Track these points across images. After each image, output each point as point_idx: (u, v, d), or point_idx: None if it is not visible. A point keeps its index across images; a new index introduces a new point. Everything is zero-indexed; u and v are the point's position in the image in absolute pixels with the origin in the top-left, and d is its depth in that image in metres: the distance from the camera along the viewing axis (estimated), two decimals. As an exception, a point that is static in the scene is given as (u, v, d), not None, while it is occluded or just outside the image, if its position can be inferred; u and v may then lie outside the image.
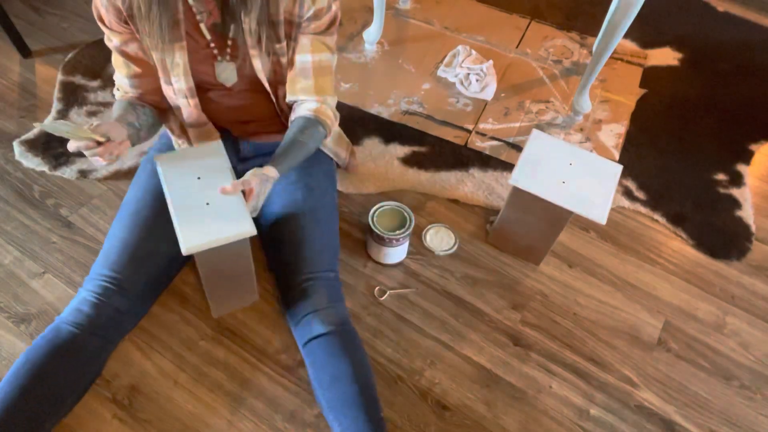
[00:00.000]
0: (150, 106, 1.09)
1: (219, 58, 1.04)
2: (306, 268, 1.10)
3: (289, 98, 1.10)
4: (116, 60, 1.04)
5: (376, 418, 0.97)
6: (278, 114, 1.16)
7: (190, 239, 0.91)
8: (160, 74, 1.04)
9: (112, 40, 1.02)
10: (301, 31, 1.02)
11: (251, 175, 0.96)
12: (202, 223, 0.93)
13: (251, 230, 0.94)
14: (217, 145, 1.06)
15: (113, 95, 1.12)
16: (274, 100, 1.12)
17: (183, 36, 0.98)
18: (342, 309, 1.10)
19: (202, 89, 1.09)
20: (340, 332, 1.06)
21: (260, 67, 1.04)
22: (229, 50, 1.03)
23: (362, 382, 1.00)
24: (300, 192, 1.16)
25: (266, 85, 1.08)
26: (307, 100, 1.09)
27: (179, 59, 1.00)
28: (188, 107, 1.08)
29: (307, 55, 1.05)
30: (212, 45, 1.02)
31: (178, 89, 1.05)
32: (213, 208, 0.96)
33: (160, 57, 1.01)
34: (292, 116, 1.12)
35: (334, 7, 1.02)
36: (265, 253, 1.27)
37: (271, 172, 0.99)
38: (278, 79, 1.09)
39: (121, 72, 1.05)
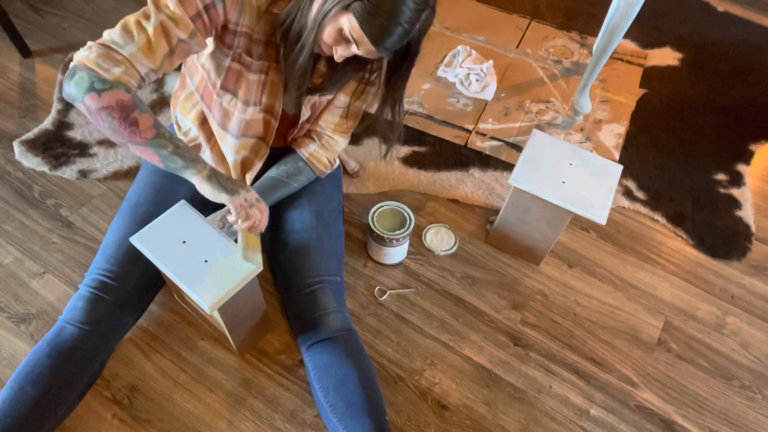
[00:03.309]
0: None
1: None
2: (314, 272, 1.10)
3: (312, 125, 1.16)
4: (158, 43, 0.86)
5: (382, 421, 0.97)
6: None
7: (210, 298, 0.92)
8: (224, 81, 1.02)
9: (177, 26, 0.86)
10: (356, 77, 1.08)
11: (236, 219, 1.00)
12: (211, 279, 0.94)
13: (258, 267, 0.96)
14: (182, 206, 1.03)
15: (88, 56, 0.83)
16: (299, 124, 1.14)
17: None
18: (347, 314, 1.11)
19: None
20: (346, 337, 1.06)
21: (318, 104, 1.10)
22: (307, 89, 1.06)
23: (368, 386, 1.00)
24: (306, 196, 1.17)
25: (307, 114, 1.11)
26: (313, 133, 1.15)
27: (277, 81, 1.03)
28: (246, 118, 1.06)
29: (347, 97, 1.11)
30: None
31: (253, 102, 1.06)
32: (213, 262, 0.96)
33: (253, 78, 1.01)
34: (294, 145, 1.17)
35: None
36: (269, 255, 1.27)
37: None
38: (314, 110, 1.13)
39: (151, 56, 0.86)
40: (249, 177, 1.14)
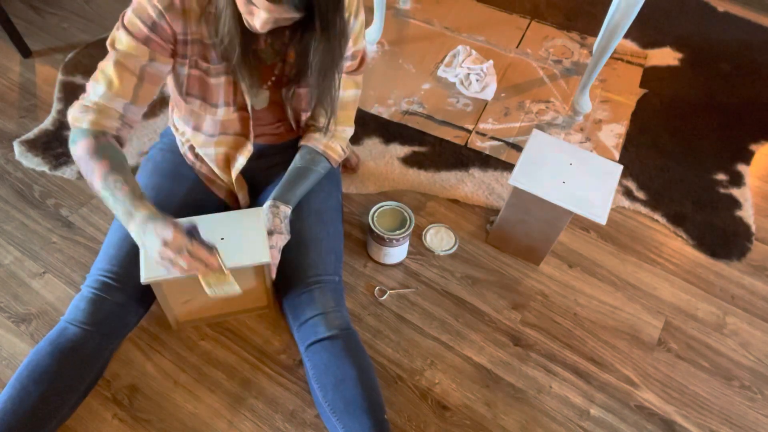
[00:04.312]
0: (118, 143, 0.99)
1: (258, 85, 1.05)
2: (312, 271, 1.10)
3: (309, 120, 1.16)
4: (123, 77, 0.92)
5: (381, 419, 0.97)
6: (289, 123, 1.17)
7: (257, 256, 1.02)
8: (190, 90, 1.03)
9: (134, 56, 0.92)
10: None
11: (276, 239, 1.05)
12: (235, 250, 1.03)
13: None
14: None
15: (70, 116, 0.95)
16: (292, 119, 1.14)
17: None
18: (346, 313, 1.11)
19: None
20: (345, 336, 1.06)
21: (290, 96, 1.08)
22: (270, 83, 1.06)
23: (367, 385, 1.00)
24: (305, 194, 1.17)
25: (290, 111, 1.11)
26: (322, 128, 1.15)
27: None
28: (220, 119, 1.08)
29: (336, 90, 1.10)
30: (257, 77, 1.03)
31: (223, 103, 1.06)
32: (228, 239, 1.05)
33: (216, 81, 1.01)
34: (303, 141, 1.18)
35: (365, 48, 1.10)
36: None
37: (286, 209, 1.08)
38: (302, 107, 1.11)
39: (122, 91, 0.94)
40: (234, 173, 1.15)
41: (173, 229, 0.86)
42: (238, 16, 0.89)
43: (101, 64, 0.94)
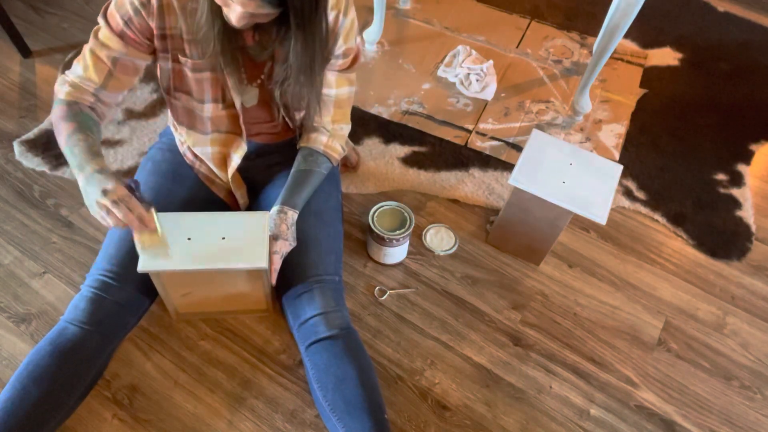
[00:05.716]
0: (95, 114, 1.02)
1: (246, 82, 1.05)
2: (312, 271, 1.09)
3: (304, 120, 1.15)
4: (96, 65, 0.97)
5: (381, 419, 0.97)
6: (285, 122, 1.17)
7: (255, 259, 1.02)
8: (177, 84, 1.04)
9: (108, 47, 0.96)
10: (328, 67, 1.07)
11: (280, 245, 1.06)
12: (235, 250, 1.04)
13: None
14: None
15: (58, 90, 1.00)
16: (286, 118, 1.13)
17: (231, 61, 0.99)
18: (346, 313, 1.11)
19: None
20: (345, 335, 1.06)
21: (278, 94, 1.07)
22: (259, 81, 1.06)
23: (367, 385, 1.00)
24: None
25: (281, 110, 1.10)
26: (320, 127, 1.15)
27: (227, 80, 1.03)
28: (209, 116, 1.08)
29: (331, 89, 1.11)
30: (244, 75, 1.03)
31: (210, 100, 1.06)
32: (230, 238, 1.04)
33: (198, 77, 1.01)
34: (302, 142, 1.17)
35: (358, 45, 1.09)
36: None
37: (293, 215, 1.08)
38: (295, 106, 1.11)
39: (94, 77, 0.98)
40: (230, 171, 1.15)
41: (115, 181, 0.89)
42: (217, 10, 0.89)
43: (85, 47, 0.99)
